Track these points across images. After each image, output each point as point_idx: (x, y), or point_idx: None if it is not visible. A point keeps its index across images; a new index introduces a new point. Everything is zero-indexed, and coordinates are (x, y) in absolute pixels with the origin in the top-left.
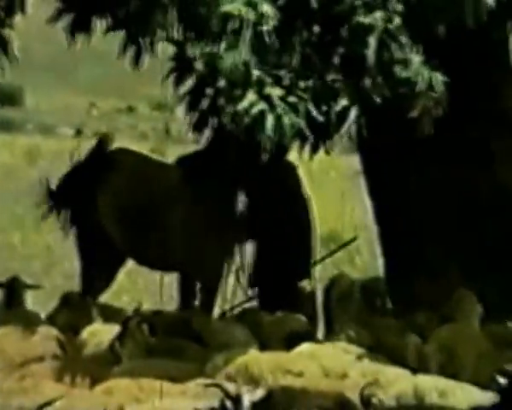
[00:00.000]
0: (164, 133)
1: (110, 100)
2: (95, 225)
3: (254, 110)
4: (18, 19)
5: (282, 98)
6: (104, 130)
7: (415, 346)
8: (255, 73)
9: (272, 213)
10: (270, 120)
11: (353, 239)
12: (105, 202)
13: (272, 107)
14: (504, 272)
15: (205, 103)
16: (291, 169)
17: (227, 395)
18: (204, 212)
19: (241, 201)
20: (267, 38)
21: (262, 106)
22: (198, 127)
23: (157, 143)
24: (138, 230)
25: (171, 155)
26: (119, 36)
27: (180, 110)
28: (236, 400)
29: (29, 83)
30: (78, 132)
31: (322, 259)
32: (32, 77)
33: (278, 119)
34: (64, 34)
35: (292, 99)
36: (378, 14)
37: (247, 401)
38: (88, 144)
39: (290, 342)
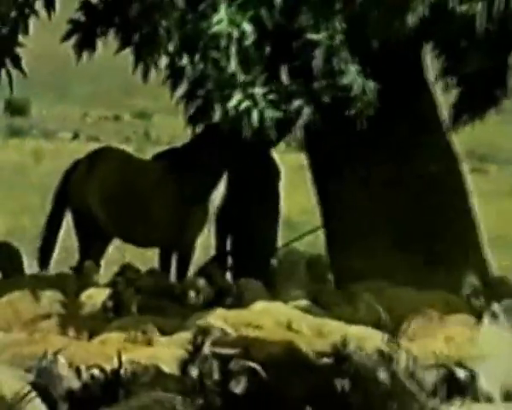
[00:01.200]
0: (144, 137)
1: (100, 110)
2: (87, 210)
3: (241, 107)
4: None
5: (263, 96)
6: (96, 134)
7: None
8: (241, 77)
9: (250, 202)
10: (254, 114)
11: (317, 228)
12: (94, 192)
13: (256, 103)
14: (428, 248)
15: (198, 102)
16: (274, 166)
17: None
18: (182, 198)
19: (218, 189)
20: (248, 51)
21: (248, 103)
22: (193, 122)
23: (139, 145)
24: (124, 214)
25: (150, 154)
26: (106, 58)
27: (157, 118)
28: (198, 348)
29: (34, 96)
30: (75, 136)
31: (292, 241)
32: (36, 91)
33: (261, 113)
34: (61, 56)
35: (271, 97)
36: (323, 33)
37: (207, 349)
38: (83, 146)
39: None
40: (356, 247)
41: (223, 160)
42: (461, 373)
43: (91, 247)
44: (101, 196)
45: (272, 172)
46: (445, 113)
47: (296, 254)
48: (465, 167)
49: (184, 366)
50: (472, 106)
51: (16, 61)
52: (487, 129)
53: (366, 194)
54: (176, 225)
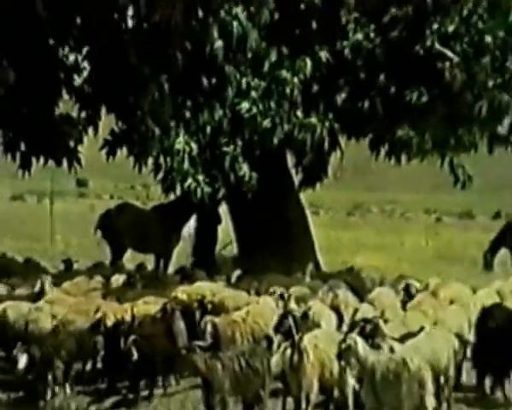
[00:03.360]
0: (146, 197)
1: (123, 183)
2: (116, 236)
3: (192, 186)
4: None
5: (203, 180)
6: (122, 196)
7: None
8: (190, 170)
9: (206, 231)
10: (198, 191)
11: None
12: (120, 226)
13: (199, 184)
14: (290, 253)
15: (168, 182)
16: (218, 217)
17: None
18: (168, 229)
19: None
20: (194, 157)
21: (194, 184)
22: (166, 192)
23: (143, 201)
24: (135, 237)
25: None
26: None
27: (153, 187)
28: (173, 310)
29: (90, 177)
30: (111, 197)
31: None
32: (92, 174)
33: (202, 190)
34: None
35: (207, 180)
36: (231, 147)
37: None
38: (116, 203)
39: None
40: (254, 254)
41: (188, 212)
42: (296, 312)
43: (116, 252)
44: (124, 227)
45: (218, 220)
46: (296, 184)
47: (223, 257)
48: (308, 212)
49: (163, 314)
50: (308, 181)
51: (78, 161)
52: (318, 192)
53: (260, 228)
54: (162, 244)
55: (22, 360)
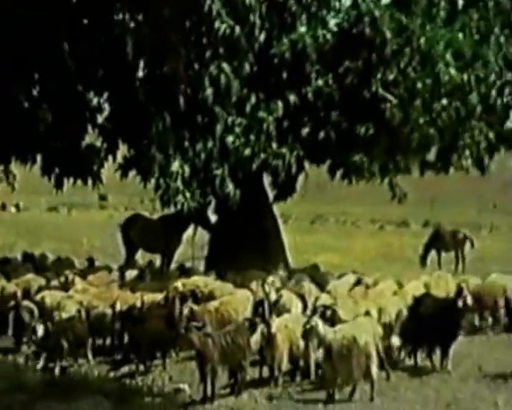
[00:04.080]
0: (152, 209)
1: (135, 198)
2: (130, 238)
3: (181, 201)
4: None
5: (190, 197)
6: (135, 207)
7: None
8: (180, 189)
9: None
10: (185, 206)
11: None
12: (133, 232)
13: (186, 200)
14: (265, 254)
15: (166, 198)
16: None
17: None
18: (170, 234)
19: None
20: (185, 178)
21: (183, 199)
22: (163, 206)
23: (151, 213)
24: (145, 239)
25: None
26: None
27: (158, 203)
28: (174, 298)
29: (109, 193)
30: (126, 209)
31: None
32: (110, 191)
33: (189, 205)
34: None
35: (194, 198)
36: (220, 170)
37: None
38: (130, 213)
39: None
40: (238, 254)
41: (187, 221)
42: (273, 297)
43: (130, 252)
44: (136, 231)
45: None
46: (270, 199)
47: None
48: (279, 221)
49: (166, 301)
50: (280, 196)
51: (100, 181)
52: (288, 204)
53: (243, 234)
54: (166, 246)
55: (40, 330)
